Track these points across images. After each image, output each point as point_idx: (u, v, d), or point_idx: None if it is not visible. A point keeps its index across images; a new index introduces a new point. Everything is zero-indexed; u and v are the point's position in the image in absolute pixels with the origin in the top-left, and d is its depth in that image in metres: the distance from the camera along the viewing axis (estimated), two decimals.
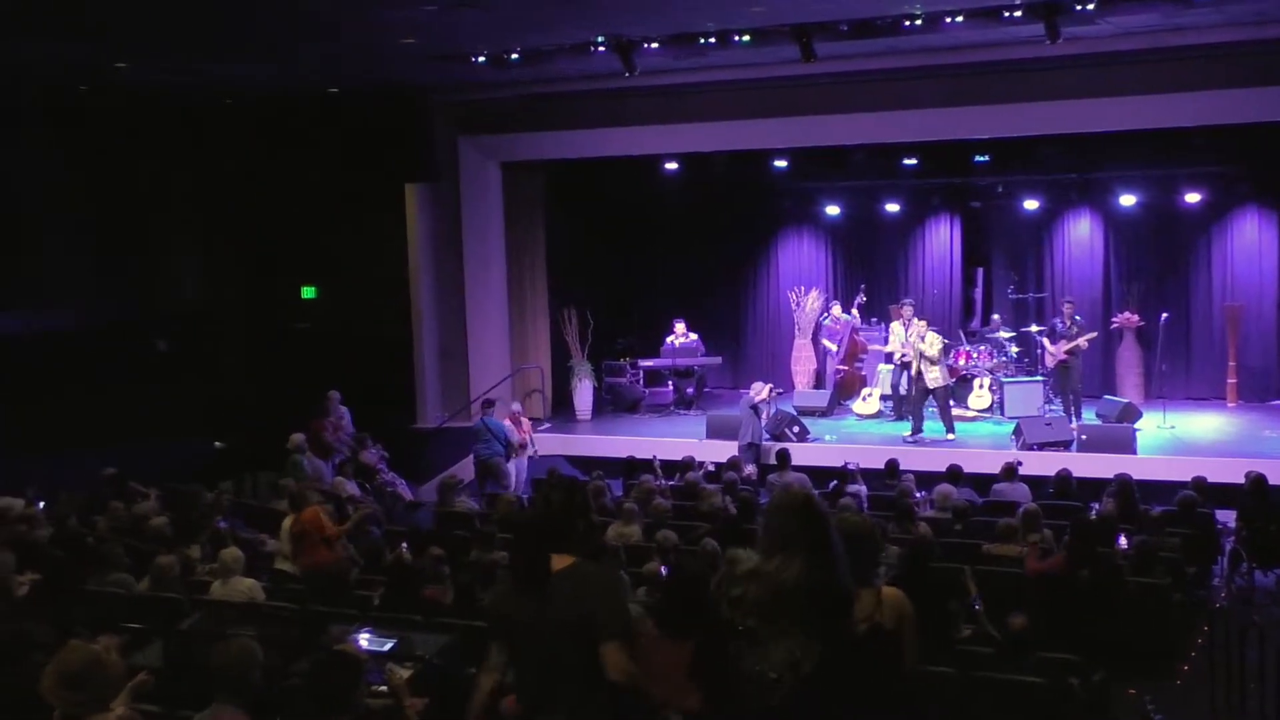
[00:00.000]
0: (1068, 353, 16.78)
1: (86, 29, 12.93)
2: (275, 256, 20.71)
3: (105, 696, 4.97)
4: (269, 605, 8.43)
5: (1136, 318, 18.60)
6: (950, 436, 16.37)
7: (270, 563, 10.63)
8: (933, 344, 16.35)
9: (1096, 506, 12.03)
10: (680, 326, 19.73)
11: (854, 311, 19.48)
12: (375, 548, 10.48)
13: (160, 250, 20.97)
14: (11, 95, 16.93)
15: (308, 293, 21.00)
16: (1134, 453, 15.10)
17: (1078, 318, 17.15)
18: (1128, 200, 18.55)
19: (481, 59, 15.17)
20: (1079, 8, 12.62)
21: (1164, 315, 17.72)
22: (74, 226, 19.83)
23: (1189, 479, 12.45)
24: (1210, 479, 12.60)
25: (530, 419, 17.39)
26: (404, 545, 10.48)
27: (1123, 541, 10.31)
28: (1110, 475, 12.61)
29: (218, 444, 18.36)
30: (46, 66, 15.04)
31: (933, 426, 16.62)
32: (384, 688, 5.86)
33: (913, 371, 16.47)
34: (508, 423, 16.04)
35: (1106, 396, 17.90)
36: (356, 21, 12.89)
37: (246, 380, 20.67)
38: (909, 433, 16.56)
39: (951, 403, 16.98)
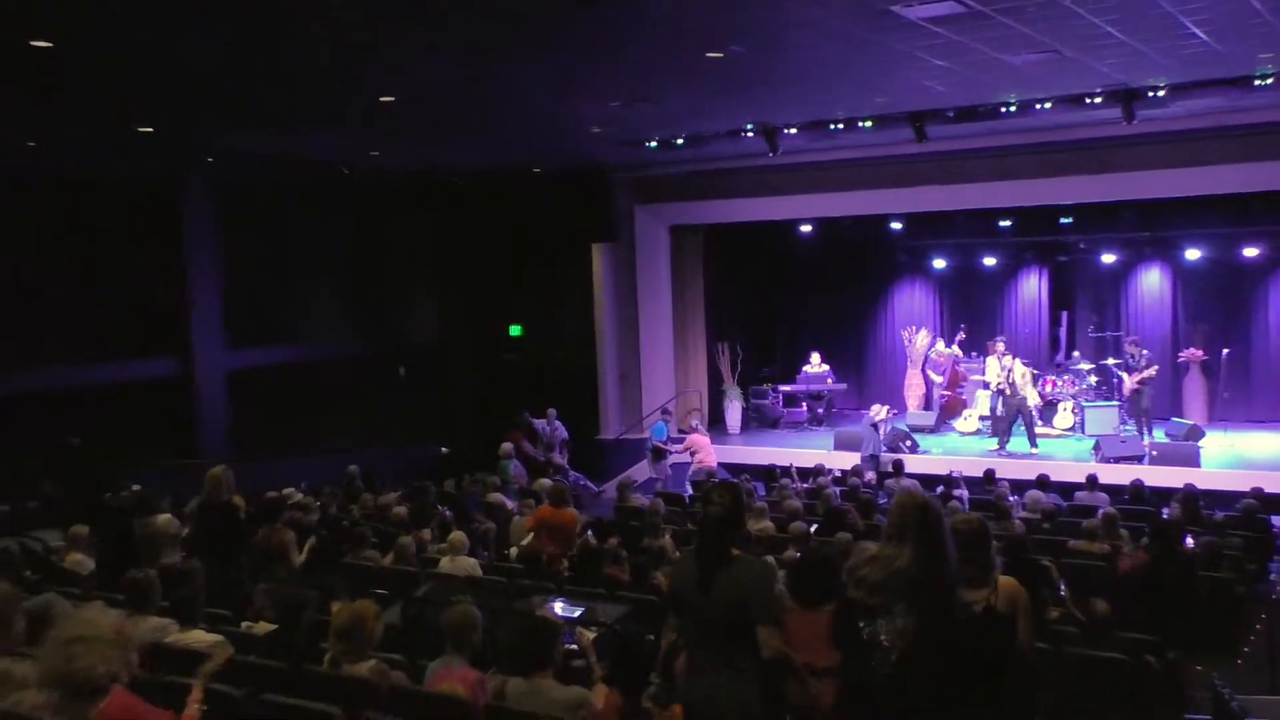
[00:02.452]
0: (1140, 382, 16.17)
1: (353, 130, 13.51)
2: (490, 301, 21.18)
3: (365, 648, 5.12)
4: (485, 578, 8.53)
5: (1201, 353, 17.79)
6: (1034, 450, 15.92)
7: (485, 545, 10.68)
8: (1023, 374, 16.05)
9: (1166, 511, 11.51)
10: (816, 357, 19.62)
11: (955, 347, 19.12)
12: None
13: (403, 297, 21.63)
14: (289, 174, 17.64)
15: (515, 330, 21.39)
16: (1198, 466, 14.45)
17: (1145, 351, 16.50)
18: (1193, 254, 17.81)
19: (654, 143, 15.34)
20: (1152, 94, 12.16)
21: (1225, 351, 17.01)
22: (336, 278, 20.61)
23: (1248, 489, 11.87)
24: (1266, 489, 12.00)
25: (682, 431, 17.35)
26: (589, 532, 10.53)
27: (1189, 541, 9.86)
28: (1178, 486, 12.08)
29: (444, 449, 18.78)
30: (318, 154, 15.69)
31: (1019, 443, 16.17)
32: (574, 646, 5.93)
33: (1007, 393, 16.07)
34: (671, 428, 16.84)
35: (1174, 418, 17.13)
36: (557, 116, 13.15)
37: (467, 399, 21.13)
38: (996, 446, 16.21)
39: (1040, 422, 16.53)
